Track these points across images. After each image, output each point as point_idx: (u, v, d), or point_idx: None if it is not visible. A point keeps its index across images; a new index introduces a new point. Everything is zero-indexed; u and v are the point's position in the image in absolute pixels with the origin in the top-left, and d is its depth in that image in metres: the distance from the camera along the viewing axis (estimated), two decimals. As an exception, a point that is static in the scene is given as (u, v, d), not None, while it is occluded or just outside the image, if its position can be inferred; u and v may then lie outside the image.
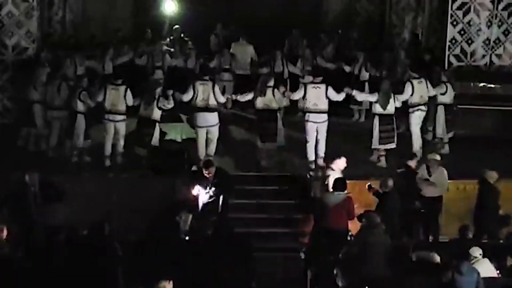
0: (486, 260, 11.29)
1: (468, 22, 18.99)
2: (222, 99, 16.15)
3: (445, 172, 14.33)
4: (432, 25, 20.33)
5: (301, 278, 12.79)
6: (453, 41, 19.08)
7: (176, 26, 21.22)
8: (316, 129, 15.67)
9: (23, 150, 16.58)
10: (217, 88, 15.82)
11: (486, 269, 11.18)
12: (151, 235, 12.47)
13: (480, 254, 11.28)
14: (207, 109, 15.60)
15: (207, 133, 15.64)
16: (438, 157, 14.40)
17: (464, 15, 18.95)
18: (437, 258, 11.52)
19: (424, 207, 14.22)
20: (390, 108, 16.04)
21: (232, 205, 14.01)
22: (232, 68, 19.59)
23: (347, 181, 13.42)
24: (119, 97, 15.64)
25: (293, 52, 20.78)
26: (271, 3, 23.97)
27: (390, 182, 13.43)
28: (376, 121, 16.08)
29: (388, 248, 11.66)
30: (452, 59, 19.06)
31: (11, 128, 17.50)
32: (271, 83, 15.94)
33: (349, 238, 12.82)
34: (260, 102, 15.89)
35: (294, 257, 13.37)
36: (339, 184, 13.26)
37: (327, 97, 15.65)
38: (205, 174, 13.64)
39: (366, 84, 18.82)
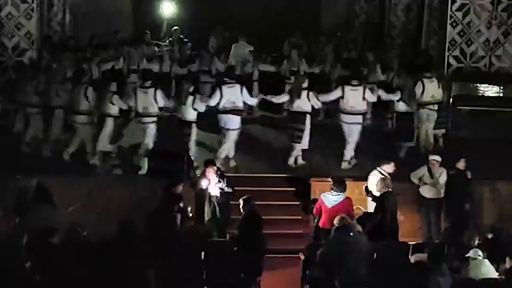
0: (486, 261, 11.28)
1: (468, 23, 19.00)
2: (253, 101, 16.20)
3: (445, 172, 14.36)
4: (432, 26, 20.32)
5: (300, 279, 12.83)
6: (453, 42, 19.09)
7: (176, 27, 21.22)
8: (350, 130, 15.90)
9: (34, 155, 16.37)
10: (245, 91, 15.88)
11: (487, 270, 11.17)
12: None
13: (480, 255, 11.27)
14: (234, 111, 15.68)
15: (229, 136, 15.79)
16: (438, 158, 14.39)
17: (464, 16, 18.97)
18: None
19: (425, 208, 14.27)
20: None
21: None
22: (212, 70, 19.41)
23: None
24: (149, 99, 15.65)
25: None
26: (271, 5, 23.99)
27: (389, 182, 13.45)
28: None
29: (364, 250, 11.66)
30: (452, 60, 19.07)
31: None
32: (305, 84, 15.93)
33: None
34: (294, 104, 15.88)
35: (294, 258, 13.43)
36: (339, 185, 13.25)
37: (364, 98, 15.86)
38: (208, 173, 13.63)
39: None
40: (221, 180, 13.67)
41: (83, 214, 13.87)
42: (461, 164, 14.32)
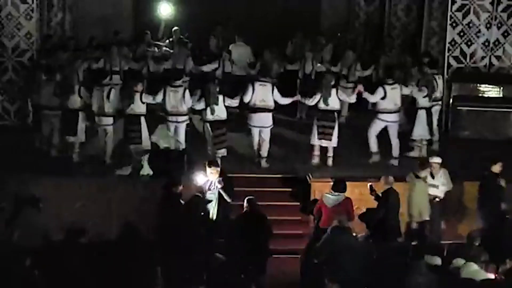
0: (472, 264, 11.19)
1: (468, 24, 18.99)
2: (285, 101, 16.29)
3: (447, 173, 14.34)
4: (432, 26, 20.31)
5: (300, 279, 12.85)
6: (453, 43, 19.09)
7: (175, 27, 21.21)
8: (387, 127, 16.26)
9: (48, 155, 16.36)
10: (276, 90, 16.00)
11: (473, 271, 11.10)
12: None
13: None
14: (265, 110, 15.83)
15: (260, 134, 15.92)
16: (439, 160, 14.37)
17: (464, 16, 18.95)
18: (438, 261, 11.46)
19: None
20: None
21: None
22: (189, 69, 19.31)
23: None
24: (178, 99, 15.73)
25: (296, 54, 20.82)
26: (270, 6, 23.99)
27: (391, 179, 13.46)
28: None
29: (358, 252, 11.68)
30: (452, 61, 19.07)
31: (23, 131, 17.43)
32: (333, 82, 16.20)
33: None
34: (322, 103, 16.03)
35: (294, 258, 13.44)
36: (339, 185, 13.26)
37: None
38: (209, 173, 13.61)
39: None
40: (221, 183, 13.55)
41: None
42: (496, 168, 14.20)
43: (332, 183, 13.44)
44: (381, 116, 16.34)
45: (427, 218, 13.78)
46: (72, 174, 15.41)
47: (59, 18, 20.75)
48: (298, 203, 14.98)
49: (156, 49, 20.65)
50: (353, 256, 11.47)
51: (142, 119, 15.69)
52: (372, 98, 16.47)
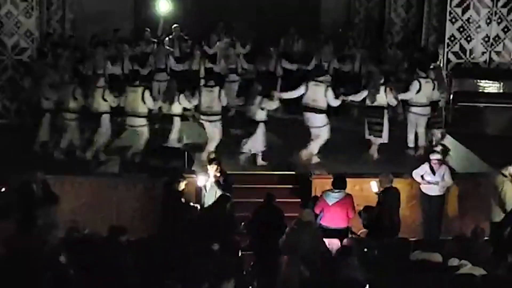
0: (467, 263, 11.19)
1: (467, 20, 19.00)
2: (336, 103, 16.22)
3: (448, 170, 14.36)
4: (431, 22, 20.31)
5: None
6: (452, 39, 19.09)
7: (175, 24, 21.19)
8: (416, 121, 16.48)
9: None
10: (330, 92, 15.93)
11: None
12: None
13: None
14: (315, 110, 15.81)
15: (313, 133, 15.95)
16: (439, 156, 14.39)
17: (463, 12, 18.96)
18: (439, 258, 11.44)
19: (427, 205, 14.31)
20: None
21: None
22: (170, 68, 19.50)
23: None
24: (214, 98, 15.78)
25: (288, 50, 20.82)
26: (270, 2, 23.98)
27: (391, 177, 13.47)
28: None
29: (320, 247, 11.77)
30: (451, 57, 19.08)
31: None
32: (382, 80, 16.31)
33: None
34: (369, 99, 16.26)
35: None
36: (339, 182, 13.27)
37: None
38: (209, 171, 13.65)
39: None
40: (220, 180, 13.63)
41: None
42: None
43: (332, 180, 13.45)
44: (413, 109, 16.57)
45: None
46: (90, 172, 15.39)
47: (59, 16, 20.76)
48: (300, 200, 14.97)
49: (155, 46, 20.64)
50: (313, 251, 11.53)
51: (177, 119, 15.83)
52: (408, 94, 16.58)
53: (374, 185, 13.64)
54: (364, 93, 16.33)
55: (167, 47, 20.03)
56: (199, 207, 13.57)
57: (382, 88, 16.20)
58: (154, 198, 14.19)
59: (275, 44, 20.84)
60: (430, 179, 14.23)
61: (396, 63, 19.67)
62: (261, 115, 15.77)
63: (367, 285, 9.55)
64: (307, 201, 14.26)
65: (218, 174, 13.68)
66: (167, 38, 20.97)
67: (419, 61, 18.35)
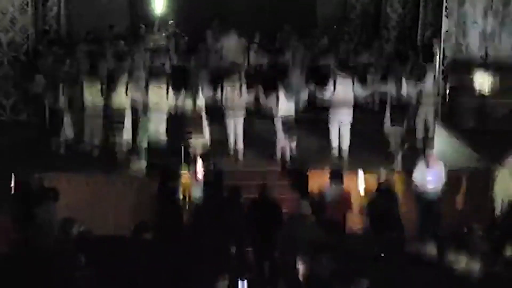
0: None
1: (464, 14, 18.99)
2: (364, 93, 16.45)
3: (443, 166, 14.33)
4: (427, 17, 20.30)
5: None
6: (448, 33, 19.07)
7: (171, 21, 21.14)
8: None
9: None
10: (357, 84, 16.12)
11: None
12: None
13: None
14: (345, 103, 15.94)
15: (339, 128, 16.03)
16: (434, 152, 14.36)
17: (459, 7, 18.94)
18: (434, 251, 11.43)
19: (423, 202, 14.27)
20: None
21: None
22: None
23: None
24: (235, 94, 15.91)
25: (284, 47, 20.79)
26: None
27: (388, 172, 13.47)
28: None
29: (318, 240, 11.70)
30: (448, 52, 19.06)
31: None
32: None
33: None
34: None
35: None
36: (337, 177, 13.28)
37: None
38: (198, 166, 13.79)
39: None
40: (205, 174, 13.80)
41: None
42: None
43: (329, 175, 13.46)
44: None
45: None
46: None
47: (54, 12, 20.68)
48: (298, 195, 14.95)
49: (151, 43, 20.60)
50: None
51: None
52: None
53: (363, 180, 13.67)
54: (387, 86, 16.51)
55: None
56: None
57: (404, 80, 16.33)
58: (151, 195, 14.16)
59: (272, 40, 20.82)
60: (428, 176, 14.17)
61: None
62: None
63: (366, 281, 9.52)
64: (304, 196, 14.28)
65: (205, 170, 13.82)
66: (163, 35, 20.94)
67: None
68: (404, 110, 16.45)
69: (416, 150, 16.24)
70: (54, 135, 16.24)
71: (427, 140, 16.88)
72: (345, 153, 16.19)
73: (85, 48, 19.22)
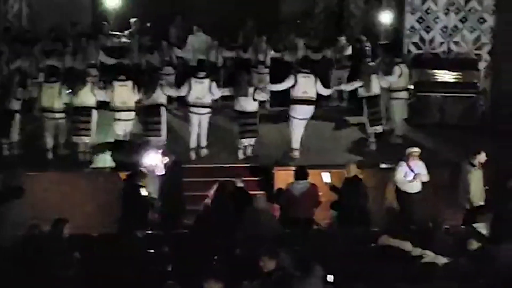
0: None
1: (426, 10, 19.12)
2: (327, 92, 16.45)
3: (423, 164, 14.17)
4: (391, 13, 20.40)
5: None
6: (412, 29, 19.20)
7: (134, 18, 21.01)
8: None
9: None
10: (319, 82, 16.01)
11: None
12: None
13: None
14: (307, 101, 15.78)
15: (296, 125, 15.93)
16: (418, 149, 14.18)
17: (422, 3, 19.07)
18: (409, 246, 11.45)
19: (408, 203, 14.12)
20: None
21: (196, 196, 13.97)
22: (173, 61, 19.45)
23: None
24: (204, 90, 15.72)
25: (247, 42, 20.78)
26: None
27: (354, 168, 13.52)
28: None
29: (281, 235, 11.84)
30: (411, 47, 19.19)
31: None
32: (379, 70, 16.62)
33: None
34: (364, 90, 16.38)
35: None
36: (301, 173, 13.33)
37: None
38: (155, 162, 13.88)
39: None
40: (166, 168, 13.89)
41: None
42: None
43: (294, 172, 13.49)
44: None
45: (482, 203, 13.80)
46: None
47: (16, 10, 20.48)
48: (263, 192, 14.96)
49: (115, 39, 20.46)
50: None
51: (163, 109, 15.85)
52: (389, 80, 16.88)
53: (325, 176, 13.68)
54: (358, 83, 16.45)
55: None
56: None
57: (373, 77, 16.33)
58: (116, 192, 14.08)
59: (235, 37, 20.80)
60: (411, 177, 13.93)
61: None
62: (254, 106, 15.77)
63: (331, 276, 9.54)
64: (270, 193, 14.31)
65: (166, 166, 13.89)
66: (126, 32, 20.80)
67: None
68: (372, 106, 16.45)
69: (389, 146, 16.50)
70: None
71: (397, 137, 16.98)
72: (309, 150, 16.17)
73: (47, 46, 19.00)
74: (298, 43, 19.82)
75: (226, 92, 16.14)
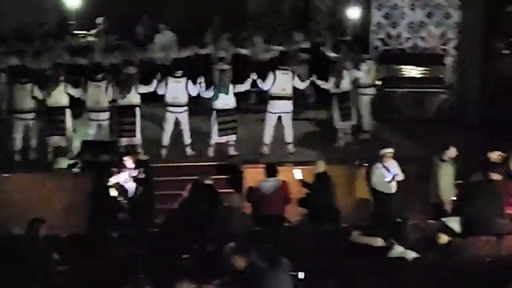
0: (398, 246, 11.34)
1: (393, 6, 19.24)
2: (303, 86, 16.50)
3: (397, 163, 14.14)
4: (357, 9, 20.47)
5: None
6: (378, 25, 19.31)
7: (101, 18, 20.89)
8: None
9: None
10: (297, 77, 16.15)
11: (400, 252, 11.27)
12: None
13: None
14: (284, 97, 15.85)
15: (280, 120, 15.98)
16: (391, 150, 14.18)
17: (389, -2, 19.23)
18: (379, 242, 11.50)
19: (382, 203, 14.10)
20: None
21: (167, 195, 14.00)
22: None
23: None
24: (180, 89, 15.65)
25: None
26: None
27: (322, 165, 13.57)
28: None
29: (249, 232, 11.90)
30: (378, 43, 19.30)
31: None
32: (348, 66, 16.61)
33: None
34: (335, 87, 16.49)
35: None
36: (271, 170, 13.37)
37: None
38: (125, 162, 13.82)
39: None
40: (137, 169, 13.84)
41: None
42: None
43: (264, 169, 13.52)
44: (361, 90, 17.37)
45: (454, 198, 13.89)
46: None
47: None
48: (232, 190, 14.97)
49: (82, 39, 20.35)
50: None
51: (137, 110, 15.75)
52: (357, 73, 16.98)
53: (297, 173, 13.75)
54: (331, 81, 16.49)
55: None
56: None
57: (346, 73, 16.44)
58: (83, 193, 14.02)
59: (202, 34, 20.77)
60: (389, 177, 13.89)
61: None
62: (234, 103, 15.84)
63: (302, 273, 9.57)
64: (239, 191, 14.33)
65: (134, 165, 13.84)
66: (93, 31, 20.68)
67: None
68: (342, 101, 16.54)
69: (358, 142, 16.68)
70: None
71: (364, 132, 17.09)
72: (291, 146, 16.22)
73: (14, 47, 18.87)
74: (256, 41, 19.83)
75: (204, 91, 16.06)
